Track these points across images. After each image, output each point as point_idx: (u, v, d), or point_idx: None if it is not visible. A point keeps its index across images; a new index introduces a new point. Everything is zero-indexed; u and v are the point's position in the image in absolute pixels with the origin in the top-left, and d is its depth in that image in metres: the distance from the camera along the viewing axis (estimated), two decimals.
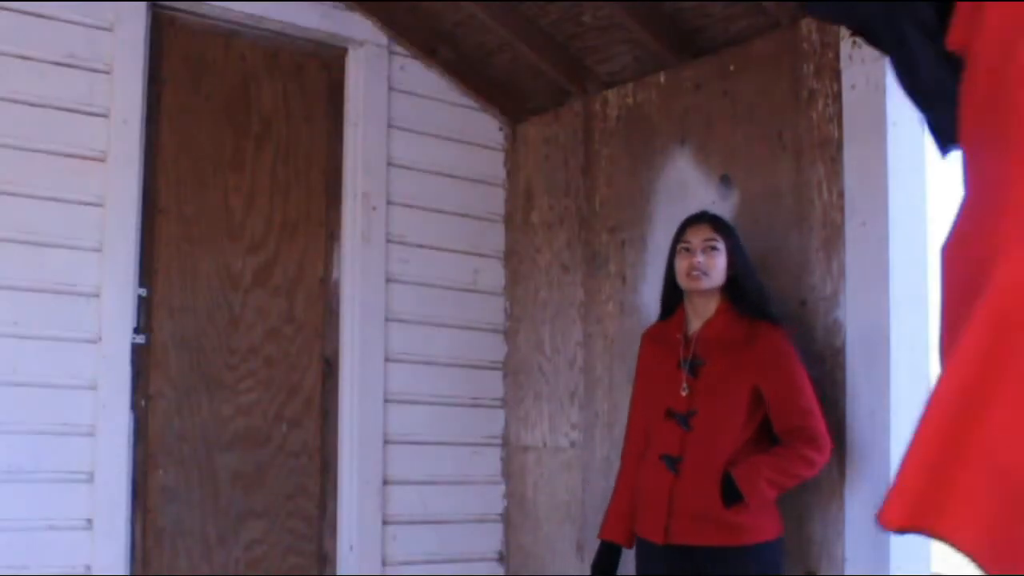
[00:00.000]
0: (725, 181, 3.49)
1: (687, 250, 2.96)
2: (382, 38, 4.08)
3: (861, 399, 3.02)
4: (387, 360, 3.99)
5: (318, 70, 4.04)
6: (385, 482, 3.95)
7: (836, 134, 3.16)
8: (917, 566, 2.96)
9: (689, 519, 2.82)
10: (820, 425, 2.81)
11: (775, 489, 2.79)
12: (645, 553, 2.96)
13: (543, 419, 4.16)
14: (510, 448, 4.27)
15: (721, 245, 2.94)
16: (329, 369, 3.94)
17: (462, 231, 4.27)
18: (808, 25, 3.26)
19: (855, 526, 2.99)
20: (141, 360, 3.55)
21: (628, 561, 3.64)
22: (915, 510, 1.94)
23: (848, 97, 3.13)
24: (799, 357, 2.86)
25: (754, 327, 2.88)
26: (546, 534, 4.09)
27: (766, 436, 2.89)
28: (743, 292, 2.93)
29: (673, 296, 3.06)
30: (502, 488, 4.27)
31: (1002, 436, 1.73)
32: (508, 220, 4.38)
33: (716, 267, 2.92)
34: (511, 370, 4.32)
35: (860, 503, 2.99)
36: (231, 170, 3.83)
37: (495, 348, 4.32)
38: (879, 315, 3.00)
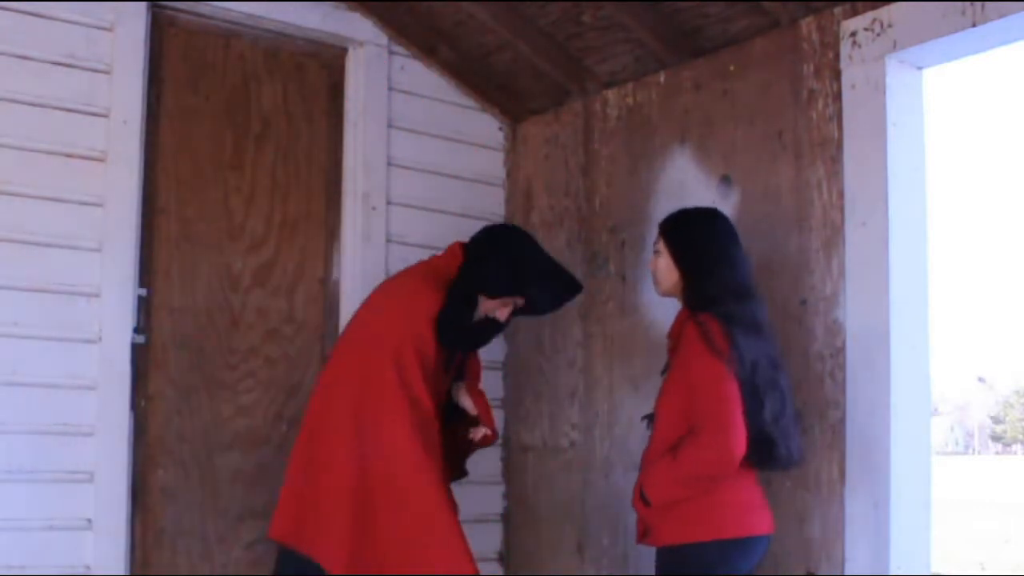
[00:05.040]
0: (725, 181, 3.49)
1: None
2: (382, 38, 4.08)
3: (861, 399, 3.02)
4: None
5: (318, 70, 4.04)
6: None
7: (836, 134, 3.16)
8: (917, 566, 2.96)
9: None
10: (708, 421, 2.63)
11: (678, 489, 2.69)
12: None
13: (543, 419, 4.16)
14: (510, 448, 4.27)
15: (661, 247, 2.91)
16: None
17: (462, 231, 4.23)
18: (808, 25, 3.27)
19: (855, 526, 2.99)
20: (141, 360, 3.54)
21: (634, 561, 3.64)
22: (292, 529, 2.99)
23: (848, 97, 3.13)
24: (707, 350, 2.65)
25: (686, 324, 2.77)
26: (546, 534, 4.09)
27: None
28: (685, 289, 2.86)
29: None
30: (502, 488, 4.26)
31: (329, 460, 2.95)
32: (508, 220, 4.37)
33: (659, 270, 2.91)
34: (511, 370, 4.32)
35: (860, 503, 2.99)
36: (231, 170, 3.83)
37: (495, 348, 4.30)
38: (879, 315, 3.00)
